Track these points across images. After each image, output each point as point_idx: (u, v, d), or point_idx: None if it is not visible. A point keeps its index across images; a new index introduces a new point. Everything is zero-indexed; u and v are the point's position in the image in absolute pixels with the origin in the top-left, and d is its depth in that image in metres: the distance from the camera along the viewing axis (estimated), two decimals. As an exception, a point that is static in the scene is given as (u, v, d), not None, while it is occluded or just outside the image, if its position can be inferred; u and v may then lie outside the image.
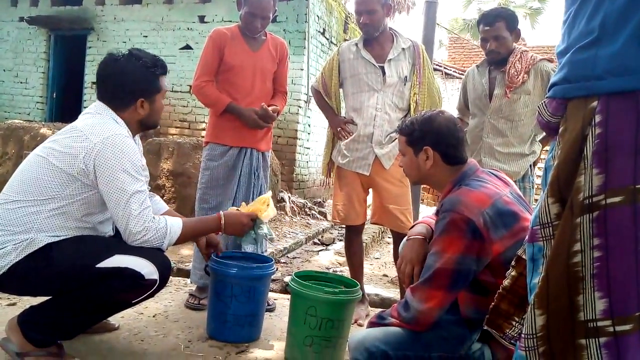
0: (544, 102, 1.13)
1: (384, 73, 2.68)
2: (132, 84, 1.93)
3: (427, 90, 2.75)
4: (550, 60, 2.72)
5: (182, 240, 1.92)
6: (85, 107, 8.30)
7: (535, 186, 2.92)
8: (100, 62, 1.98)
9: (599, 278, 0.97)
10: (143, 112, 1.97)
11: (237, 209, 2.20)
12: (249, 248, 2.66)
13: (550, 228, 1.06)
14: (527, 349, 1.04)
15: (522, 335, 1.08)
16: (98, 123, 1.86)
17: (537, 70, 2.65)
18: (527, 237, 1.15)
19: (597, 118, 0.99)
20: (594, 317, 0.96)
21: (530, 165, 2.77)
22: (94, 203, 1.85)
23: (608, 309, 0.96)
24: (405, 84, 2.71)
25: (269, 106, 2.63)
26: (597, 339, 0.96)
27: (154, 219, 1.84)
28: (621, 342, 0.95)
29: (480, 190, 1.57)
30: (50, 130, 5.26)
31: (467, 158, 1.73)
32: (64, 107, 8.83)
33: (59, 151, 1.81)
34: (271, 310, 2.69)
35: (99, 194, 1.82)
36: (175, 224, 1.89)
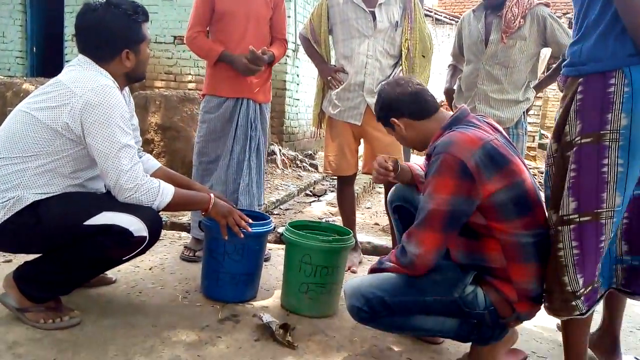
0: (560, 78, 1.66)
1: (374, 18, 2.61)
2: (115, 34, 1.85)
3: (419, 36, 2.69)
4: (547, 5, 2.66)
5: (171, 206, 1.88)
6: (67, 61, 8.07)
7: (527, 133, 2.92)
8: (77, 13, 1.88)
9: (572, 188, 1.49)
10: (129, 64, 1.89)
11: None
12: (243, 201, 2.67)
13: (552, 158, 1.64)
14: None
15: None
16: (83, 75, 1.80)
17: (534, 14, 2.59)
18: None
19: (580, 89, 1.51)
20: (567, 213, 1.50)
21: (524, 112, 2.76)
22: (81, 159, 1.82)
23: (577, 208, 1.48)
24: (396, 30, 2.65)
25: (259, 50, 2.57)
26: (568, 226, 1.50)
27: (145, 177, 1.82)
28: (583, 227, 1.48)
29: (470, 132, 1.57)
30: (33, 85, 5.13)
31: (437, 105, 1.76)
32: (45, 61, 8.56)
33: (43, 106, 1.76)
34: (266, 260, 2.73)
35: (86, 150, 1.79)
36: (168, 189, 1.86)
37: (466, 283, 1.58)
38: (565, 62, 1.62)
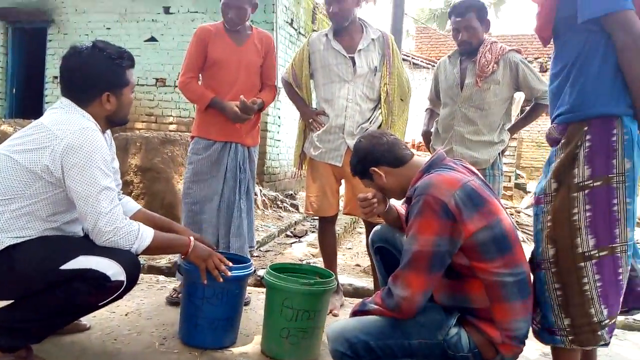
0: (553, 125, 1.75)
1: (354, 63, 2.69)
2: (96, 77, 1.86)
3: (397, 81, 2.76)
4: (519, 51, 2.77)
5: (150, 250, 1.85)
6: (47, 103, 8.04)
7: (504, 173, 2.98)
8: (63, 55, 1.90)
9: (590, 227, 1.60)
10: (110, 107, 1.89)
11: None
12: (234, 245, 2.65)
13: (550, 197, 1.68)
14: (545, 269, 1.66)
15: (540, 259, 1.68)
16: (65, 118, 1.80)
17: (506, 60, 2.70)
18: (534, 202, 1.75)
19: (588, 136, 1.62)
20: (588, 249, 1.60)
21: (499, 153, 2.83)
22: (60, 202, 1.79)
23: (595, 244, 1.59)
24: (375, 75, 2.72)
25: (249, 99, 2.62)
26: (590, 261, 1.59)
27: (125, 219, 1.79)
28: (602, 261, 1.59)
29: (449, 174, 1.61)
30: (12, 127, 5.07)
31: (411, 152, 1.82)
32: (25, 103, 8.52)
33: (23, 148, 1.74)
34: (246, 304, 2.68)
35: (65, 193, 1.76)
36: (147, 232, 1.83)
37: (450, 325, 1.57)
38: (560, 110, 1.70)
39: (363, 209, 1.93)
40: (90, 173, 1.72)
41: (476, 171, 1.76)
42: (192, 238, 1.98)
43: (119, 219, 1.76)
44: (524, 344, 1.62)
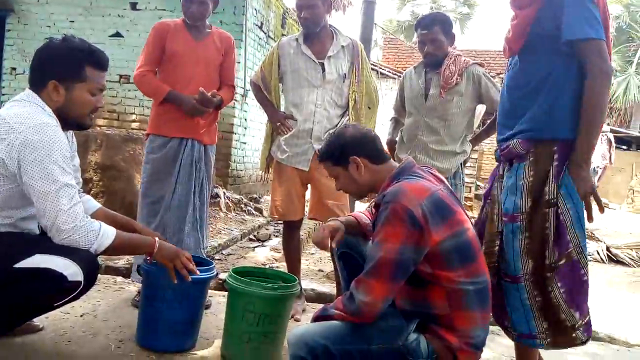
0: (518, 141, 1.82)
1: (323, 69, 2.70)
2: (48, 62, 1.81)
3: (366, 89, 2.80)
4: (481, 65, 2.85)
5: (111, 250, 1.79)
6: (4, 95, 7.73)
7: (465, 184, 3.05)
8: None
9: (554, 240, 1.75)
10: (56, 98, 1.80)
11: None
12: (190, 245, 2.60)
13: (526, 214, 1.79)
14: (525, 280, 1.78)
15: (518, 273, 1.79)
16: (25, 112, 1.73)
17: (470, 73, 2.77)
18: (507, 219, 1.84)
19: (556, 156, 1.76)
20: (554, 261, 1.74)
21: (461, 164, 2.89)
22: (15, 197, 1.73)
23: (558, 254, 1.75)
24: (344, 82, 2.75)
25: (209, 93, 2.58)
26: (553, 272, 1.74)
27: (85, 218, 1.74)
28: (562, 270, 1.74)
29: (418, 183, 1.63)
30: (-37, 117, 4.86)
31: (388, 155, 1.83)
32: (-21, 93, 8.17)
33: None
34: (207, 307, 2.64)
35: (20, 188, 1.70)
36: (109, 231, 1.78)
37: (410, 330, 1.59)
38: (525, 126, 1.80)
39: (319, 246, 1.89)
40: (49, 170, 1.66)
41: (444, 179, 1.79)
42: (156, 238, 1.94)
43: (79, 217, 1.71)
44: (481, 350, 1.66)
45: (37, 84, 1.81)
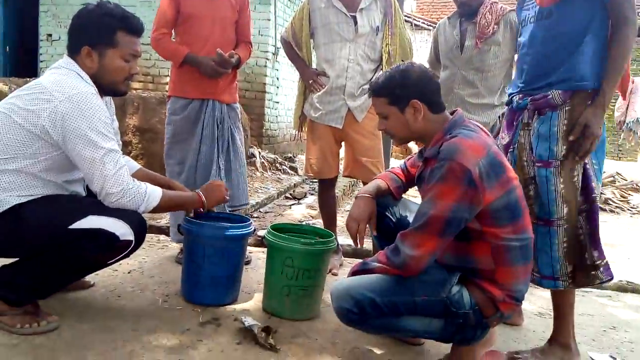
0: (558, 92, 1.83)
1: (355, 22, 2.64)
2: (81, 28, 1.83)
3: (399, 41, 2.73)
4: (520, 11, 2.72)
5: (159, 209, 1.89)
6: (41, 62, 7.90)
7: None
8: None
9: (583, 188, 1.83)
10: (90, 64, 1.82)
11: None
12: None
13: (559, 160, 1.83)
14: (558, 225, 1.83)
15: (553, 218, 1.83)
16: (63, 80, 1.76)
17: (507, 21, 2.65)
18: (541, 164, 1.85)
19: (588, 102, 1.82)
20: (581, 205, 1.83)
21: (499, 117, 2.81)
22: (60, 162, 1.79)
23: (584, 200, 1.83)
24: (377, 34, 2.68)
25: (227, 53, 2.57)
26: (582, 214, 1.84)
27: (133, 181, 1.79)
28: (588, 214, 1.83)
29: (474, 139, 1.58)
30: (7, 85, 5.00)
31: (444, 106, 1.75)
32: (20, 61, 8.37)
33: (22, 108, 1.72)
34: (247, 263, 2.72)
35: (64, 155, 1.76)
36: (155, 192, 1.84)
37: (453, 283, 1.60)
38: (565, 76, 1.81)
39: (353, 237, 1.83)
40: (92, 137, 1.71)
41: (489, 134, 1.76)
42: (198, 191, 2.03)
43: (125, 181, 1.77)
44: (521, 303, 1.67)
45: (73, 50, 1.84)
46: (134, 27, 1.87)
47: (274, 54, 7.13)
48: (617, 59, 1.75)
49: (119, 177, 1.75)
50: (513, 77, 2.86)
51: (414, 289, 1.59)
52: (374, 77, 2.63)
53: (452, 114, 1.74)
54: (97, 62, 1.83)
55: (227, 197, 2.15)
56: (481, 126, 1.76)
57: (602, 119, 1.78)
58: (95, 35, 1.82)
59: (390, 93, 1.69)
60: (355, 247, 1.86)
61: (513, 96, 2.01)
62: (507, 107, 2.10)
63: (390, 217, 1.92)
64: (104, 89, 1.90)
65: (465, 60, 2.72)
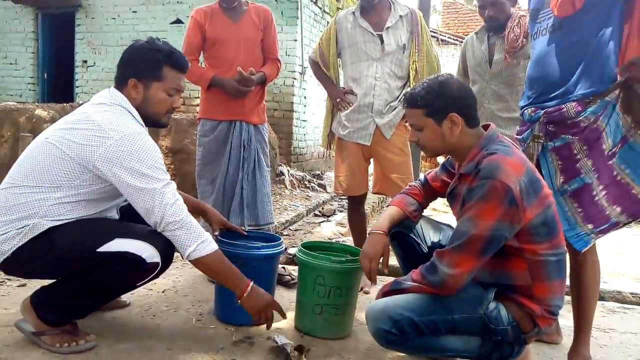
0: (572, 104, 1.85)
1: (382, 41, 2.66)
2: (129, 62, 1.91)
3: (426, 58, 2.73)
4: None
5: (203, 262, 1.81)
6: (77, 87, 8.20)
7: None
8: None
9: None
10: (135, 96, 1.88)
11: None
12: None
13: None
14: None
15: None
16: (118, 120, 1.80)
17: (536, 33, 2.63)
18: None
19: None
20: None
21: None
22: (103, 194, 1.84)
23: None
24: (404, 52, 2.69)
25: (247, 71, 2.62)
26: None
27: (191, 217, 1.80)
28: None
29: (513, 157, 1.56)
30: (45, 111, 5.21)
31: (479, 120, 1.72)
32: (56, 87, 8.71)
33: (74, 142, 1.76)
34: (292, 282, 2.68)
35: (111, 187, 1.80)
36: (211, 245, 1.82)
37: (489, 299, 1.58)
38: (587, 86, 1.82)
39: (367, 275, 1.83)
40: (149, 172, 1.75)
41: (519, 147, 1.74)
42: (252, 283, 1.89)
43: (184, 212, 1.78)
44: (557, 316, 1.64)
45: (120, 81, 1.92)
46: (179, 64, 1.93)
47: (301, 73, 7.22)
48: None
49: (179, 207, 1.78)
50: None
51: (452, 307, 1.57)
52: (408, 89, 2.65)
53: (485, 128, 1.72)
54: (142, 93, 1.89)
55: (262, 322, 1.95)
56: (512, 141, 1.74)
57: None
58: (143, 68, 1.89)
59: (428, 105, 1.64)
60: (371, 283, 1.86)
61: (525, 109, 2.00)
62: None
63: (414, 237, 1.91)
64: (147, 120, 1.95)
65: (495, 75, 2.71)
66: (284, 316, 1.98)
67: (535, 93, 1.95)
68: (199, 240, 1.78)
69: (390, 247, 1.94)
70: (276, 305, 1.95)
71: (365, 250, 1.82)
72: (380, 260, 1.82)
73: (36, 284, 1.93)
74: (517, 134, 2.07)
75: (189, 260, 1.82)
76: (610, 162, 1.80)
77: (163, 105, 1.93)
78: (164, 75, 1.90)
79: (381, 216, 1.90)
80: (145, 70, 1.89)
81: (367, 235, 1.88)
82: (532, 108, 1.95)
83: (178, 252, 1.84)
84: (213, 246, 1.82)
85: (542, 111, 1.90)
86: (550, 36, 1.91)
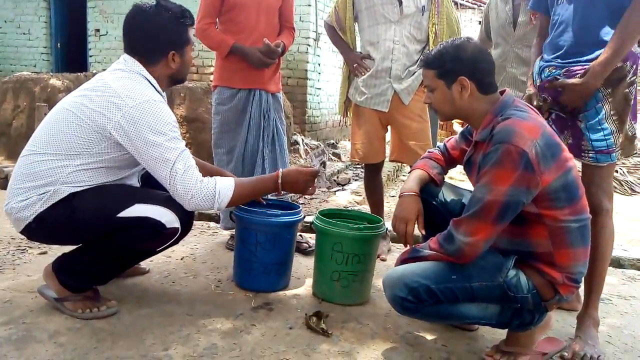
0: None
1: (400, 3, 2.57)
2: (164, 36, 1.87)
3: (446, 20, 2.65)
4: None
5: (235, 202, 1.87)
6: (90, 57, 8.17)
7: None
8: (127, 14, 1.90)
9: None
10: (174, 66, 1.91)
11: (297, 166, 2.11)
12: None
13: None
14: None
15: None
16: (134, 87, 1.80)
17: (563, -7, 2.52)
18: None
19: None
20: None
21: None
22: (122, 162, 1.84)
23: None
24: (423, 14, 2.61)
25: (272, 42, 2.56)
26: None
27: (200, 182, 1.80)
28: None
29: (529, 120, 1.52)
30: (60, 80, 5.21)
31: (496, 87, 1.68)
32: (70, 56, 8.69)
33: (92, 109, 1.76)
34: (309, 249, 2.69)
35: (129, 154, 1.80)
36: (225, 187, 1.83)
37: (509, 267, 1.56)
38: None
39: (397, 235, 1.80)
40: (161, 141, 1.74)
41: (539, 113, 1.68)
42: (279, 172, 1.95)
43: (193, 182, 1.78)
44: (580, 284, 1.62)
45: (154, 58, 1.88)
46: (194, 20, 1.97)
47: (315, 39, 7.09)
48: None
49: (188, 177, 1.77)
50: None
51: (470, 275, 1.56)
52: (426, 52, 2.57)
53: (501, 94, 1.67)
54: (179, 62, 1.92)
55: (311, 191, 2.01)
56: (531, 106, 1.69)
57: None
58: (178, 39, 1.90)
59: (440, 66, 1.63)
60: (405, 247, 1.79)
61: (544, 67, 1.96)
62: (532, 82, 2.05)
63: (437, 205, 1.88)
64: (176, 81, 1.99)
65: (519, 37, 2.61)
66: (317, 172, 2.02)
67: (557, 57, 1.92)
68: (214, 196, 1.80)
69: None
70: (310, 172, 1.99)
71: (399, 214, 1.77)
72: (416, 223, 1.77)
73: (57, 252, 1.95)
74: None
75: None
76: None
77: (191, 63, 2.01)
78: (189, 36, 1.94)
79: (408, 178, 1.88)
80: (180, 39, 1.91)
81: (399, 198, 1.83)
82: (552, 66, 1.93)
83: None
84: (228, 187, 1.84)
85: (564, 69, 1.88)
86: (574, 0, 1.87)
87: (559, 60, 1.92)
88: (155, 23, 1.86)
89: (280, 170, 1.97)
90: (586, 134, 1.86)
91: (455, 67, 1.60)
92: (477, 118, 1.65)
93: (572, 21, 1.89)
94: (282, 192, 1.98)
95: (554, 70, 1.92)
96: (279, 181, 1.94)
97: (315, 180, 2.01)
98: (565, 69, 1.87)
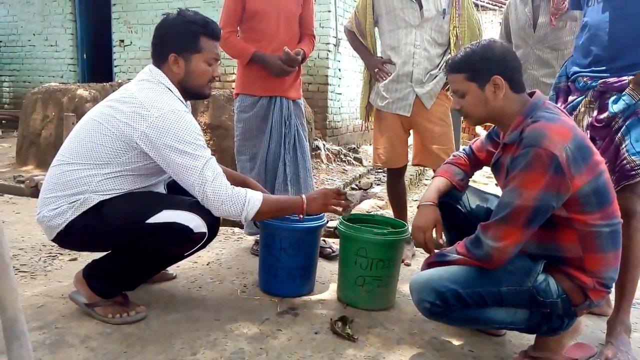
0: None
1: (421, 7, 2.58)
2: (166, 37, 1.91)
3: (467, 23, 2.63)
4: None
5: (261, 214, 1.88)
6: (116, 67, 8.35)
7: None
8: None
9: None
10: (177, 70, 1.90)
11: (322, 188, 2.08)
12: None
13: None
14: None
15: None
16: (158, 97, 1.83)
17: (584, -7, 2.49)
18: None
19: None
20: None
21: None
22: (149, 170, 1.88)
23: None
24: (444, 18, 2.61)
25: (292, 50, 2.58)
26: None
27: (231, 189, 1.82)
28: None
29: (559, 123, 1.50)
30: (87, 90, 5.33)
31: (524, 86, 1.66)
32: (95, 67, 8.90)
33: (118, 119, 1.81)
34: (333, 254, 2.70)
35: (155, 164, 1.83)
36: (255, 197, 1.85)
37: (538, 271, 1.54)
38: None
39: (418, 245, 1.81)
40: (188, 149, 1.77)
41: (569, 116, 1.67)
42: (303, 197, 1.96)
43: (224, 188, 1.81)
44: (611, 289, 1.59)
45: (159, 58, 1.93)
46: (215, 32, 1.95)
47: (335, 45, 7.12)
48: None
49: (218, 184, 1.80)
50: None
51: (499, 279, 1.54)
52: (449, 56, 2.56)
53: (530, 95, 1.65)
54: (184, 67, 1.91)
55: (337, 209, 2.00)
56: (561, 108, 1.67)
57: None
58: (181, 42, 1.90)
59: (470, 68, 1.59)
60: (427, 254, 1.79)
61: (578, 75, 1.92)
62: (565, 81, 2.02)
63: (461, 208, 1.87)
64: (190, 93, 1.98)
65: (539, 39, 2.59)
66: (346, 203, 2.01)
67: (590, 62, 1.89)
68: (243, 204, 1.82)
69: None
70: (332, 191, 1.99)
71: (416, 224, 1.79)
72: (434, 232, 1.78)
73: (87, 258, 2.00)
74: (562, 96, 2.01)
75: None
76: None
77: (205, 76, 1.95)
78: (202, 46, 1.91)
79: (428, 188, 1.87)
80: (184, 43, 1.90)
81: (417, 208, 1.84)
82: (589, 77, 1.89)
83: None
84: (257, 198, 1.85)
85: (601, 81, 1.84)
86: (605, 4, 1.84)
87: (593, 69, 1.89)
88: (164, 25, 1.91)
89: (304, 197, 1.95)
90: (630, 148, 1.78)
91: (486, 66, 1.57)
92: (508, 120, 1.62)
93: (603, 26, 1.85)
94: (306, 213, 1.96)
95: (589, 82, 1.88)
96: (304, 205, 1.93)
97: (345, 198, 2.01)
98: (602, 80, 1.84)
